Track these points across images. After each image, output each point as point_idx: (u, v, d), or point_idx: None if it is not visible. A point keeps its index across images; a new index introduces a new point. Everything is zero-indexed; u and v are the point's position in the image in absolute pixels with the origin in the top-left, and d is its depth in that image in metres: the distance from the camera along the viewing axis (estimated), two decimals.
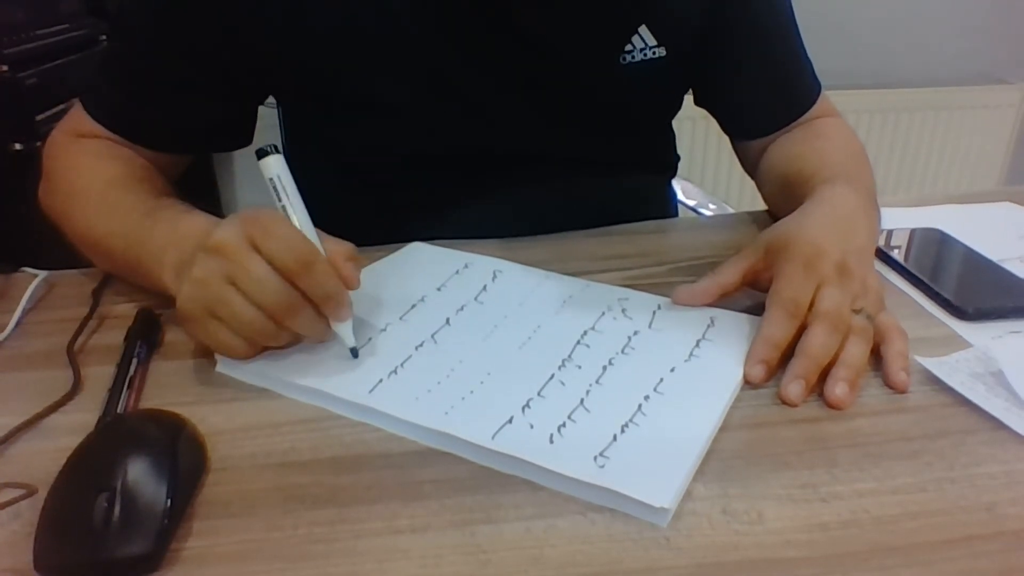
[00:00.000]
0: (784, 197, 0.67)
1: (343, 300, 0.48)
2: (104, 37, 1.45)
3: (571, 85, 0.69)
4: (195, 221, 0.54)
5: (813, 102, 0.75)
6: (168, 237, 0.53)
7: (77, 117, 0.67)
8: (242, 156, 0.74)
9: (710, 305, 0.55)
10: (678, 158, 0.87)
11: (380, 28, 0.63)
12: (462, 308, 0.56)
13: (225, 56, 0.64)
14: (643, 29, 0.67)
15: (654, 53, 0.68)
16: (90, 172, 0.64)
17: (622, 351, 0.51)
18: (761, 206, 0.77)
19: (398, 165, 0.71)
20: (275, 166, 0.48)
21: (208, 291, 0.46)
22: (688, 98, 0.78)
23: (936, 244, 0.68)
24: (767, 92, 0.74)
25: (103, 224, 0.59)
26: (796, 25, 0.74)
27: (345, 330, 0.49)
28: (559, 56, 0.67)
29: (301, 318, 0.47)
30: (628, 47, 0.67)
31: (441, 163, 0.70)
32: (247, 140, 0.73)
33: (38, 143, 1.20)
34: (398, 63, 0.65)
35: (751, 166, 0.79)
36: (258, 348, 0.49)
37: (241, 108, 0.71)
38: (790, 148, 0.72)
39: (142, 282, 0.57)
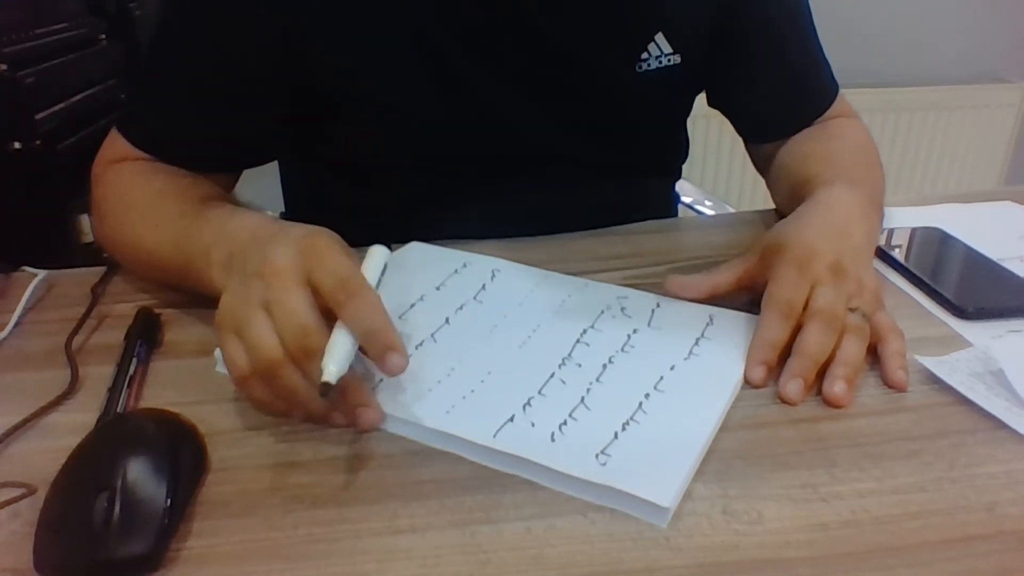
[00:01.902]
0: (790, 198, 0.66)
1: (392, 342, 0.42)
2: (103, 36, 1.45)
3: (586, 92, 0.68)
4: (245, 220, 0.52)
5: (829, 104, 0.75)
6: (216, 235, 0.52)
7: (114, 145, 0.66)
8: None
9: (709, 303, 0.55)
10: (685, 158, 0.86)
11: (398, 31, 0.63)
12: (461, 307, 0.56)
13: (256, 65, 0.63)
14: (659, 37, 0.67)
15: (669, 60, 0.68)
16: (136, 188, 0.63)
17: (622, 349, 0.51)
18: (761, 204, 0.77)
19: (407, 167, 0.70)
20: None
21: (242, 309, 0.44)
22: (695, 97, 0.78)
23: (936, 243, 0.68)
24: (782, 96, 0.73)
25: (154, 234, 0.58)
26: (813, 26, 0.73)
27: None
28: (575, 63, 0.66)
29: (315, 365, 0.41)
30: (644, 55, 0.67)
31: (449, 165, 0.69)
32: (275, 154, 0.72)
33: (37, 142, 1.20)
34: (413, 65, 0.64)
35: (763, 166, 0.78)
36: (261, 392, 0.44)
37: (272, 120, 0.69)
38: (800, 148, 0.72)
39: (191, 285, 0.55)
